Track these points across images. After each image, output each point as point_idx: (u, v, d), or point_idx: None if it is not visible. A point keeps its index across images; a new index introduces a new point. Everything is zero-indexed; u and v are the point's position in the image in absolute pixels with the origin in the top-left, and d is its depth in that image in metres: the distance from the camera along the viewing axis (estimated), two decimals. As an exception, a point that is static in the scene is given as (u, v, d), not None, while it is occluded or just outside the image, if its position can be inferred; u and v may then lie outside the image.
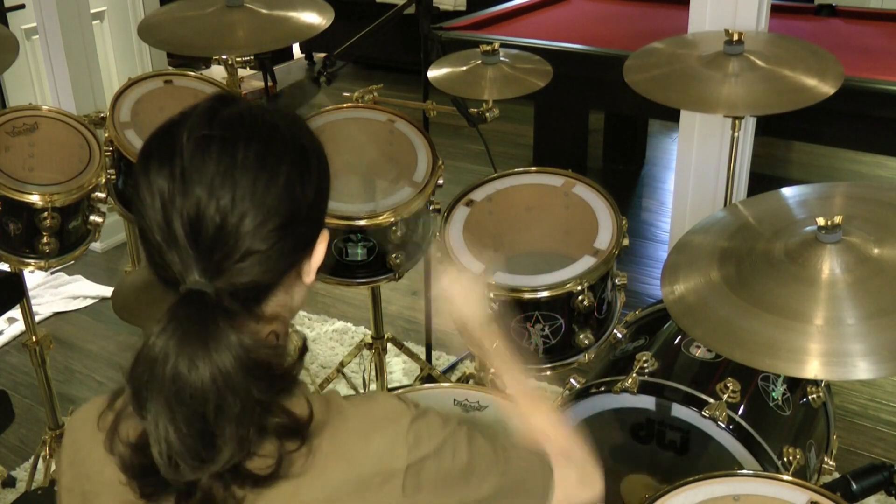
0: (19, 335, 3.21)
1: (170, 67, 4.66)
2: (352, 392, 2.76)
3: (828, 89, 1.93)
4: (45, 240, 2.04)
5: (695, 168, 2.73)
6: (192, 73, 2.39)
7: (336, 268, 2.07)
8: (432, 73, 2.26)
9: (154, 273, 0.90)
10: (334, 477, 0.88)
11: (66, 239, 2.10)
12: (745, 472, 1.45)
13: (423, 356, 2.88)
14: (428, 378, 2.67)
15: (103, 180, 2.13)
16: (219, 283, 0.86)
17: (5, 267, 2.13)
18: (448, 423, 0.95)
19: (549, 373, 1.84)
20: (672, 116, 2.88)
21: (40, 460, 2.43)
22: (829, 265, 1.36)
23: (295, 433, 0.87)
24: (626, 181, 4.49)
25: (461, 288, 1.30)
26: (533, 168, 2.06)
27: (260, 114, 0.92)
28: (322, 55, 5.59)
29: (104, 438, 0.88)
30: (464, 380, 2.30)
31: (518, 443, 1.08)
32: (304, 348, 0.93)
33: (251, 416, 0.83)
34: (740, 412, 1.65)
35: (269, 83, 2.48)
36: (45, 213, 2.01)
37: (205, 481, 0.84)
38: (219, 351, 0.82)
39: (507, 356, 1.25)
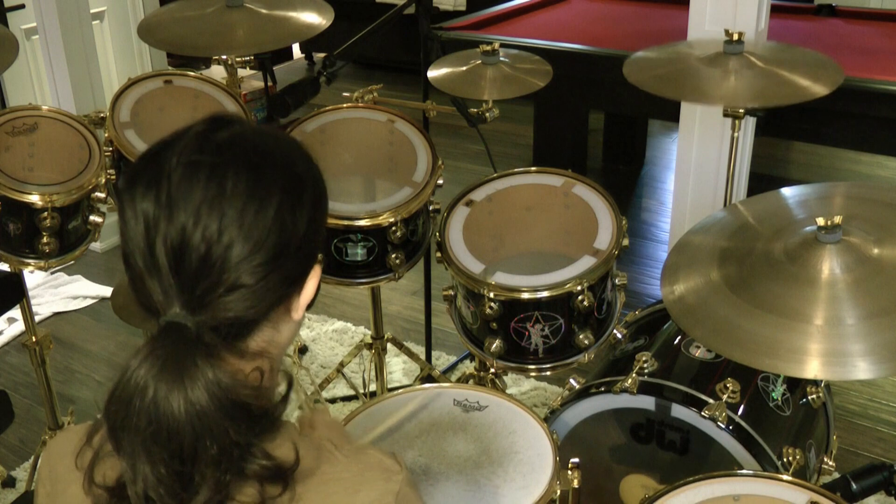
0: (19, 335, 3.21)
1: (170, 67, 4.66)
2: (351, 392, 2.76)
3: (826, 89, 1.93)
4: (44, 240, 2.04)
5: (695, 168, 2.74)
6: (192, 73, 2.38)
7: (336, 268, 2.07)
8: (432, 73, 2.26)
9: (135, 299, 0.87)
10: None
11: (65, 239, 2.10)
12: (744, 472, 1.45)
13: (423, 356, 2.88)
14: (428, 378, 2.67)
15: (103, 180, 2.13)
16: (200, 317, 0.82)
17: (5, 267, 2.12)
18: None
19: (549, 373, 1.84)
20: (672, 116, 2.88)
21: (40, 460, 2.43)
22: (829, 265, 1.36)
23: (277, 478, 0.83)
24: (626, 181, 4.49)
25: None
26: (533, 168, 2.06)
27: (254, 139, 0.89)
28: (322, 55, 5.59)
29: (82, 479, 0.85)
30: (464, 380, 2.30)
31: None
32: (288, 391, 0.90)
33: (229, 457, 0.80)
34: (740, 412, 1.65)
35: (269, 83, 2.48)
36: (45, 213, 2.01)
37: None
38: (194, 389, 0.79)
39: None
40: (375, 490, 0.88)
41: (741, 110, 2.08)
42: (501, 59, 2.24)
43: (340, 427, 1.11)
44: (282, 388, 0.90)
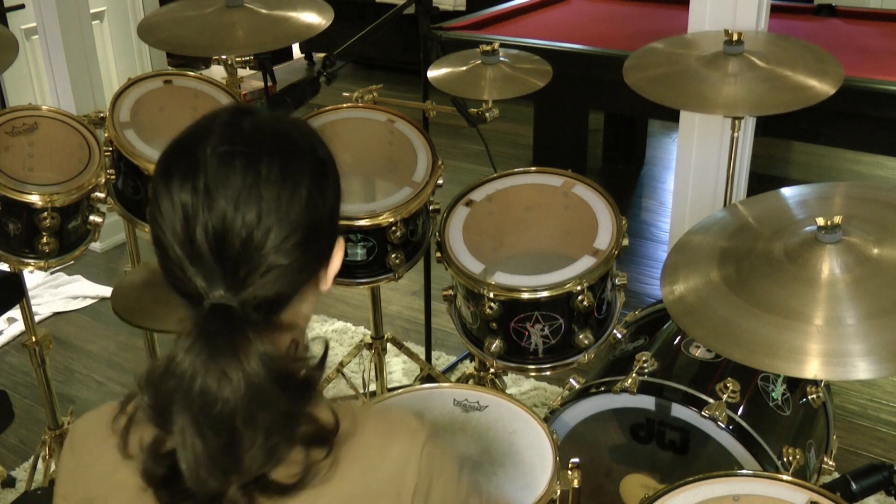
0: (19, 335, 3.21)
1: (170, 67, 4.66)
2: (351, 392, 2.76)
3: (827, 89, 1.93)
4: (44, 240, 2.04)
5: (695, 168, 2.73)
6: (191, 73, 2.38)
7: (336, 268, 2.07)
8: (432, 73, 2.26)
9: (171, 287, 0.90)
10: (353, 484, 0.89)
11: (65, 239, 2.10)
12: (744, 472, 1.45)
13: (422, 356, 2.88)
14: (428, 378, 2.67)
15: (103, 180, 2.13)
16: (243, 297, 0.86)
17: (5, 267, 2.12)
18: (456, 461, 0.98)
19: (549, 373, 1.84)
20: (672, 116, 2.88)
21: (40, 460, 2.43)
22: (829, 265, 1.36)
23: (322, 441, 0.88)
24: (625, 181, 4.49)
25: None
26: (533, 168, 2.06)
27: (278, 125, 0.93)
28: (322, 55, 5.59)
29: (118, 441, 0.88)
30: (464, 380, 2.30)
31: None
32: (325, 355, 0.93)
33: (280, 425, 0.84)
34: (740, 412, 1.65)
35: (269, 83, 2.48)
36: (45, 213, 2.01)
37: (230, 492, 0.85)
38: (250, 363, 0.83)
39: None
40: (404, 446, 0.92)
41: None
42: (501, 59, 2.24)
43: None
44: (318, 352, 0.93)
